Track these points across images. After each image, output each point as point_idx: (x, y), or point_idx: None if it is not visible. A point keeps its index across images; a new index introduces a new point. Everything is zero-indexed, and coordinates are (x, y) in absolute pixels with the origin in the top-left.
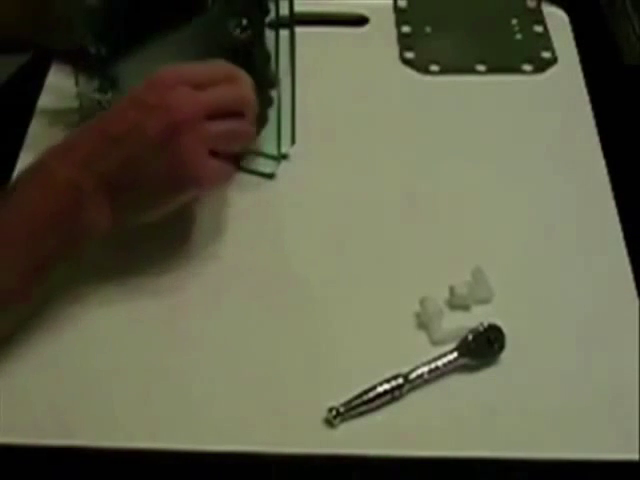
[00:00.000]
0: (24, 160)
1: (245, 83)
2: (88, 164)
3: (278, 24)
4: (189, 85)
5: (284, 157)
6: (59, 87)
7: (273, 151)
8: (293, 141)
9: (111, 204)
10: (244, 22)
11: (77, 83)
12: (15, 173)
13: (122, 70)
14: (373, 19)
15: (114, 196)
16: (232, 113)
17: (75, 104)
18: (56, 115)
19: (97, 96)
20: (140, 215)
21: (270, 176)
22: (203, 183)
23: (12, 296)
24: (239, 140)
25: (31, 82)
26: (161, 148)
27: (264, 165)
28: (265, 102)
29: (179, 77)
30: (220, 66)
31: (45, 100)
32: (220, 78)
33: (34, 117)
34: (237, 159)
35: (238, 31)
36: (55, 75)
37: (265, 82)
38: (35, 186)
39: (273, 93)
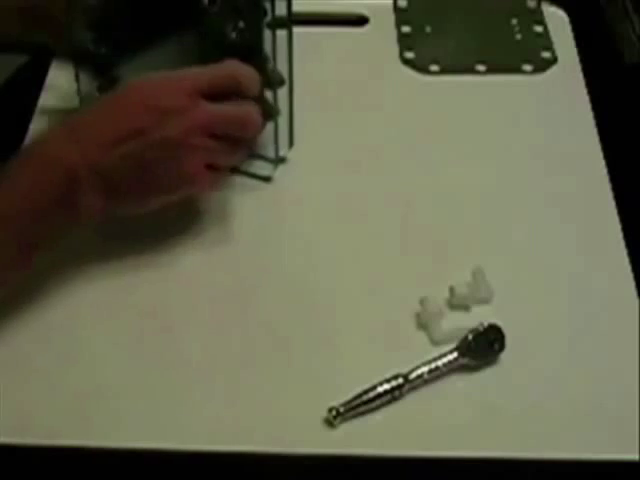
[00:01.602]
0: None
1: (255, 88)
2: (90, 155)
3: (275, 25)
4: (202, 94)
5: (282, 160)
6: (59, 87)
7: (271, 154)
8: (291, 144)
9: (106, 195)
10: (241, 24)
11: (78, 83)
12: None
13: (123, 71)
14: (373, 19)
15: (109, 188)
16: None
17: (75, 104)
18: (56, 115)
19: (98, 96)
20: (131, 208)
21: (267, 179)
22: (196, 189)
23: None
24: (234, 158)
25: (31, 82)
26: (166, 154)
27: (262, 168)
28: (265, 103)
29: (192, 84)
30: (232, 72)
31: (45, 100)
32: (232, 87)
33: (34, 117)
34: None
35: (235, 34)
36: (55, 75)
37: (265, 83)
38: (34, 169)
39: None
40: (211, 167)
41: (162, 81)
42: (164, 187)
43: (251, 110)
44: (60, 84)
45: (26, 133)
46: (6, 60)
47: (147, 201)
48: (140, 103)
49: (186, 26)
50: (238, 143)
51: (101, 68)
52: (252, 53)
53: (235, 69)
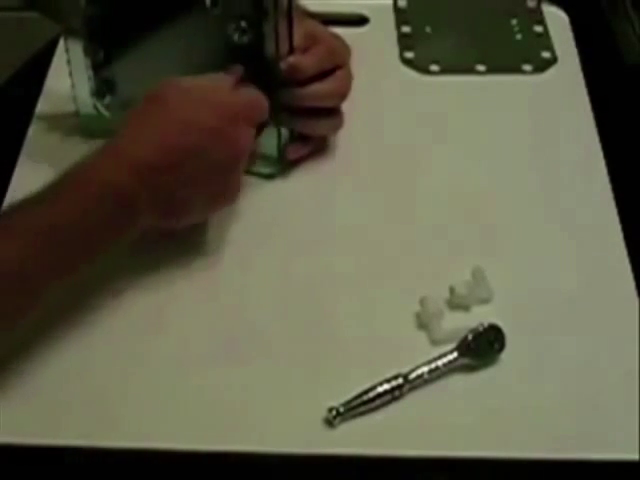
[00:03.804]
0: (23, 164)
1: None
2: (145, 179)
3: (277, 26)
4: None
5: (284, 158)
6: (58, 92)
7: (273, 152)
8: (293, 142)
9: (161, 215)
10: (243, 25)
11: (73, 86)
12: (13, 179)
13: (118, 72)
14: (373, 19)
15: (165, 209)
16: None
17: (72, 109)
18: (55, 120)
19: (94, 100)
20: (184, 224)
21: (270, 177)
22: (234, 202)
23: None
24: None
25: (30, 86)
26: (220, 176)
27: (264, 166)
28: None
29: (231, 107)
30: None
31: (44, 105)
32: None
33: (33, 121)
34: None
35: (238, 34)
36: (53, 81)
37: (268, 83)
38: (86, 195)
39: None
40: None
41: (200, 96)
42: (218, 202)
43: (258, 95)
44: (59, 89)
45: (24, 138)
46: (5, 62)
47: (202, 216)
48: (185, 121)
49: (179, 23)
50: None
51: (98, 73)
52: (255, 53)
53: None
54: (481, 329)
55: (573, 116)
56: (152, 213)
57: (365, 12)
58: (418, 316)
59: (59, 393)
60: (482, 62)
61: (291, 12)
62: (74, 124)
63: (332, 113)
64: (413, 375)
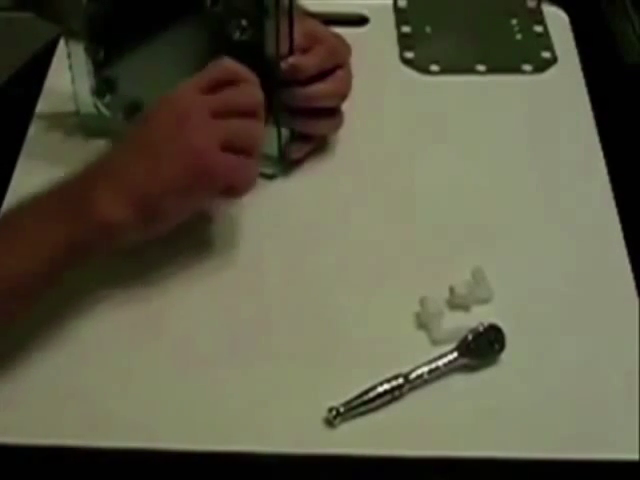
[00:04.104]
0: (23, 164)
1: (253, 82)
2: (143, 215)
3: (278, 24)
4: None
5: (285, 158)
6: (58, 91)
7: (274, 152)
8: (293, 141)
9: (147, 233)
10: (244, 23)
11: (73, 85)
12: (14, 178)
13: (119, 71)
14: (373, 19)
15: (152, 227)
16: (242, 113)
17: (72, 108)
18: (55, 119)
19: (95, 99)
20: (164, 225)
21: (272, 177)
22: (218, 176)
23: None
24: (250, 136)
25: (30, 86)
26: (172, 142)
27: (266, 166)
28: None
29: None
30: (226, 68)
31: (44, 104)
32: (228, 80)
33: (33, 121)
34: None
35: (238, 32)
36: (53, 81)
37: (268, 82)
38: (78, 224)
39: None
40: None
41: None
42: (186, 184)
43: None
44: (59, 88)
45: (24, 139)
46: (4, 63)
47: (178, 212)
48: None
49: (180, 22)
50: (249, 119)
51: (99, 71)
52: (256, 52)
53: (224, 64)
54: (481, 329)
55: (573, 116)
56: (142, 233)
57: (365, 12)
58: (418, 316)
59: (59, 393)
60: (482, 62)
61: (292, 11)
62: (74, 123)
63: (332, 113)
64: (413, 375)
